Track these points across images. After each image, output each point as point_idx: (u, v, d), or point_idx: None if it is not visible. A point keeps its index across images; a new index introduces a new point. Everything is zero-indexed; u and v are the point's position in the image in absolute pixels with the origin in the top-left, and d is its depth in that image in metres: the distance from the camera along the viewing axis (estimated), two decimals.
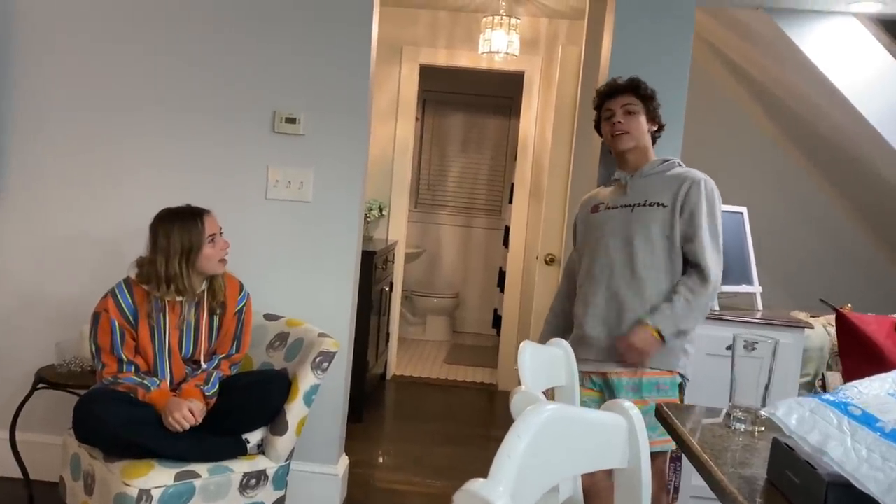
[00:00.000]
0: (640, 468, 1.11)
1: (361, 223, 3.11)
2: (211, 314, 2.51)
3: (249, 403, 2.41)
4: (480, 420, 4.64)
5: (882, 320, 2.30)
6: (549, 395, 1.83)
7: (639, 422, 1.13)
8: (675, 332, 2.26)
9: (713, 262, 2.27)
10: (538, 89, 4.96)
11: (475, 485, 0.77)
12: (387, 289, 4.79)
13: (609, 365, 2.32)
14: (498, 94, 6.55)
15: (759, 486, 1.18)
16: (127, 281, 2.44)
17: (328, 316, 2.94)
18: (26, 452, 2.82)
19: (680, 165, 2.43)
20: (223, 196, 2.89)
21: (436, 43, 4.99)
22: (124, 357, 2.36)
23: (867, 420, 1.06)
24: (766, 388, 1.52)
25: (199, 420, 2.29)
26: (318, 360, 2.46)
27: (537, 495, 0.92)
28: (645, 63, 2.68)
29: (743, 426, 1.49)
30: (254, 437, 2.42)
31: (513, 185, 5.30)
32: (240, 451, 2.39)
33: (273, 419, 2.43)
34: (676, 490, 2.69)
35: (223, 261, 2.48)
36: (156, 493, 2.16)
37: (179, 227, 2.41)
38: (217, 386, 2.42)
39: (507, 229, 5.75)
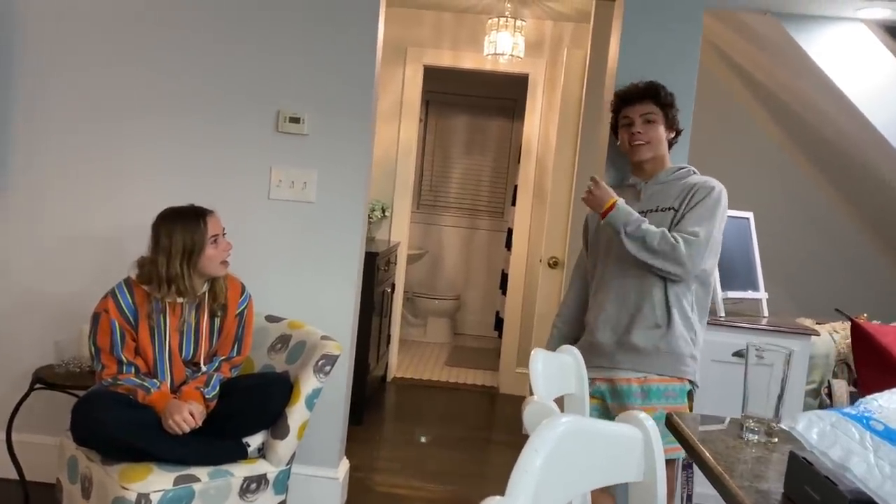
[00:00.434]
0: (656, 481, 1.08)
1: (365, 224, 3.08)
2: (212, 316, 2.48)
3: (250, 407, 2.38)
4: (482, 423, 4.61)
5: None
6: (558, 402, 1.80)
7: (654, 434, 1.10)
8: (623, 222, 2.24)
9: (691, 238, 2.19)
10: (542, 92, 4.94)
11: (493, 502, 0.74)
12: (389, 290, 4.77)
13: (617, 371, 2.30)
14: (501, 96, 6.52)
15: (777, 502, 1.15)
16: (127, 281, 2.41)
17: (330, 318, 2.91)
18: (22, 453, 2.79)
19: (695, 173, 2.41)
20: (225, 196, 2.86)
21: (440, 44, 4.97)
22: (124, 358, 2.33)
23: (890, 436, 1.03)
24: (780, 398, 1.49)
25: (199, 423, 2.26)
26: (320, 363, 2.43)
27: None
28: (652, 68, 2.65)
29: (756, 437, 1.46)
30: (254, 441, 2.40)
31: (516, 187, 5.27)
32: (240, 454, 2.36)
33: (274, 423, 2.40)
34: (690, 498, 2.66)
35: (225, 262, 2.45)
36: (155, 497, 2.13)
37: (182, 226, 2.38)
38: (217, 389, 2.39)
39: (509, 231, 5.73)
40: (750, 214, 3.19)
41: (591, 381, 2.30)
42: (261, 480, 2.36)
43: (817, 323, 3.17)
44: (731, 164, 3.95)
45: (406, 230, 5.16)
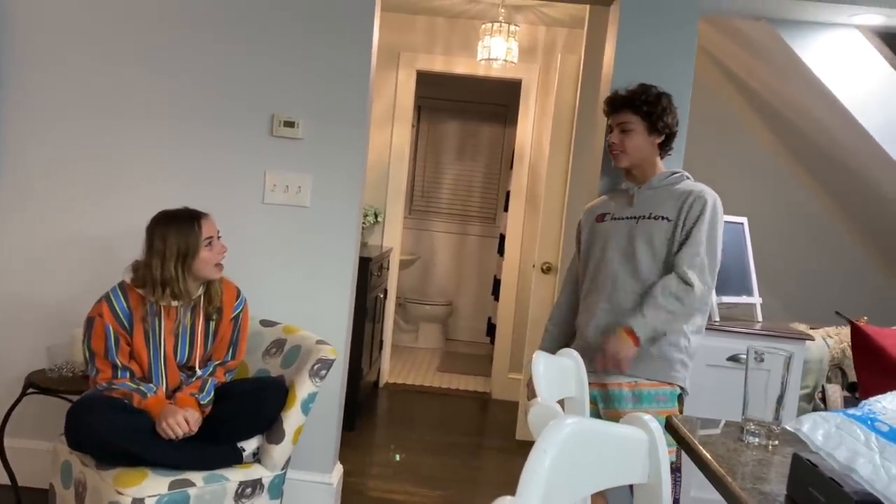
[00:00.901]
0: (661, 483, 1.08)
1: (359, 229, 3.07)
2: (207, 319, 2.46)
3: (245, 411, 2.36)
4: (474, 428, 4.60)
5: None
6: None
7: (659, 436, 1.10)
8: (650, 334, 2.22)
9: (698, 269, 2.23)
10: (535, 97, 4.95)
11: (505, 502, 0.74)
12: (381, 296, 4.75)
13: (609, 376, 2.30)
14: (493, 101, 6.53)
15: (780, 503, 1.15)
16: (122, 285, 2.39)
17: (325, 322, 2.90)
18: (15, 459, 2.76)
19: (688, 178, 2.41)
20: (219, 200, 2.84)
21: (433, 49, 4.97)
22: (119, 363, 2.31)
23: (895, 437, 1.03)
24: (779, 401, 1.50)
25: (195, 429, 2.25)
26: (316, 367, 2.42)
27: None
28: (647, 73, 2.65)
29: (757, 440, 1.46)
30: (249, 446, 2.38)
31: (508, 192, 5.27)
32: (235, 459, 2.34)
33: (269, 427, 2.39)
34: (677, 502, 2.66)
35: (219, 265, 2.44)
36: (149, 502, 2.11)
37: (176, 229, 2.37)
38: (212, 394, 2.37)
39: (501, 237, 5.72)
40: (744, 220, 3.21)
41: None
42: (256, 485, 2.34)
43: (811, 328, 3.19)
44: (725, 170, 3.98)
45: (398, 236, 5.15)
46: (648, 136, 2.38)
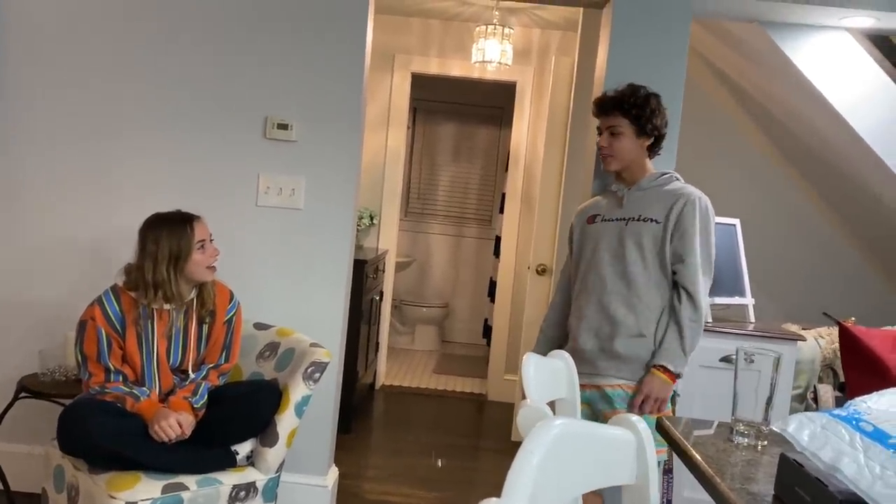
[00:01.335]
0: (649, 484, 1.08)
1: (354, 231, 3.07)
2: (200, 322, 2.46)
3: (239, 414, 2.36)
4: (470, 430, 4.60)
5: (886, 334, 2.30)
6: (550, 407, 1.81)
7: (647, 436, 1.10)
8: (685, 365, 2.26)
9: (703, 289, 2.28)
10: (530, 99, 4.96)
11: (490, 503, 0.74)
12: (377, 298, 4.76)
13: (602, 378, 2.31)
14: (488, 103, 6.54)
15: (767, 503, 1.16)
16: (114, 288, 2.39)
17: (319, 325, 2.90)
18: (7, 463, 2.76)
19: (678, 179, 2.42)
20: (212, 202, 2.84)
21: (428, 51, 4.98)
22: (111, 366, 2.31)
23: (879, 436, 1.04)
24: (768, 402, 1.50)
25: (188, 433, 2.25)
26: (310, 370, 2.42)
27: None
28: (640, 75, 2.65)
29: (746, 440, 1.47)
30: (243, 449, 2.38)
31: (503, 194, 5.28)
32: (229, 462, 2.34)
33: (263, 430, 2.39)
34: (669, 503, 2.67)
35: (212, 268, 2.44)
36: None
37: (168, 232, 2.37)
38: (206, 397, 2.37)
39: (497, 239, 5.73)
40: (736, 221, 3.22)
41: (580, 387, 2.32)
42: (250, 488, 2.34)
43: (803, 328, 3.20)
44: (717, 172, 3.99)
45: (394, 238, 5.16)
46: (637, 139, 2.38)
